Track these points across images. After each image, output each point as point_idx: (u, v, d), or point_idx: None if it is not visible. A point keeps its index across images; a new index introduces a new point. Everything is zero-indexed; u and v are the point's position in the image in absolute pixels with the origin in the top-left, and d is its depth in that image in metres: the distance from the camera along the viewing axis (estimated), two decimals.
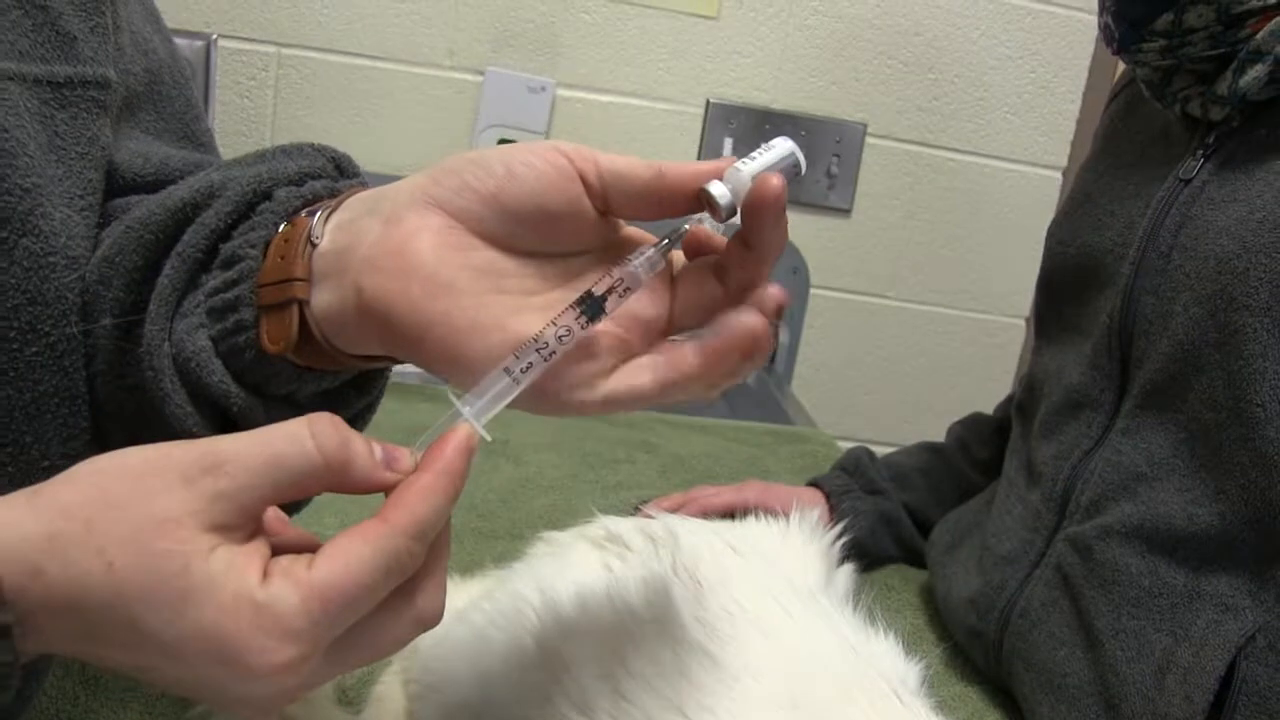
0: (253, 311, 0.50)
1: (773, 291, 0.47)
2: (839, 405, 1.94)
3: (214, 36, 1.65)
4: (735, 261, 0.47)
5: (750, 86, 1.79)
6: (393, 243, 0.46)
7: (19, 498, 0.38)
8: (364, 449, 0.42)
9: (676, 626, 0.60)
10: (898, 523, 1.08)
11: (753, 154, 0.47)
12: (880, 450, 1.21)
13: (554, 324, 0.45)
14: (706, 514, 1.05)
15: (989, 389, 1.91)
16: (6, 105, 0.50)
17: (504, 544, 0.98)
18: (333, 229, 0.49)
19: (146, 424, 0.53)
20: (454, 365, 0.46)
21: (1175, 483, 0.78)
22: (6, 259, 0.50)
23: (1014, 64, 1.83)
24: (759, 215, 0.45)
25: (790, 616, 0.62)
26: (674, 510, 1.06)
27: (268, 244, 0.51)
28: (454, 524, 1.03)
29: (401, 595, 0.42)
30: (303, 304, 0.49)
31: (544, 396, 0.47)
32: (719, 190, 0.46)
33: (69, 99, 0.54)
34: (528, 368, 0.44)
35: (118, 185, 0.59)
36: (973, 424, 1.17)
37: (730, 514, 1.04)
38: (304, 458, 0.40)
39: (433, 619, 0.43)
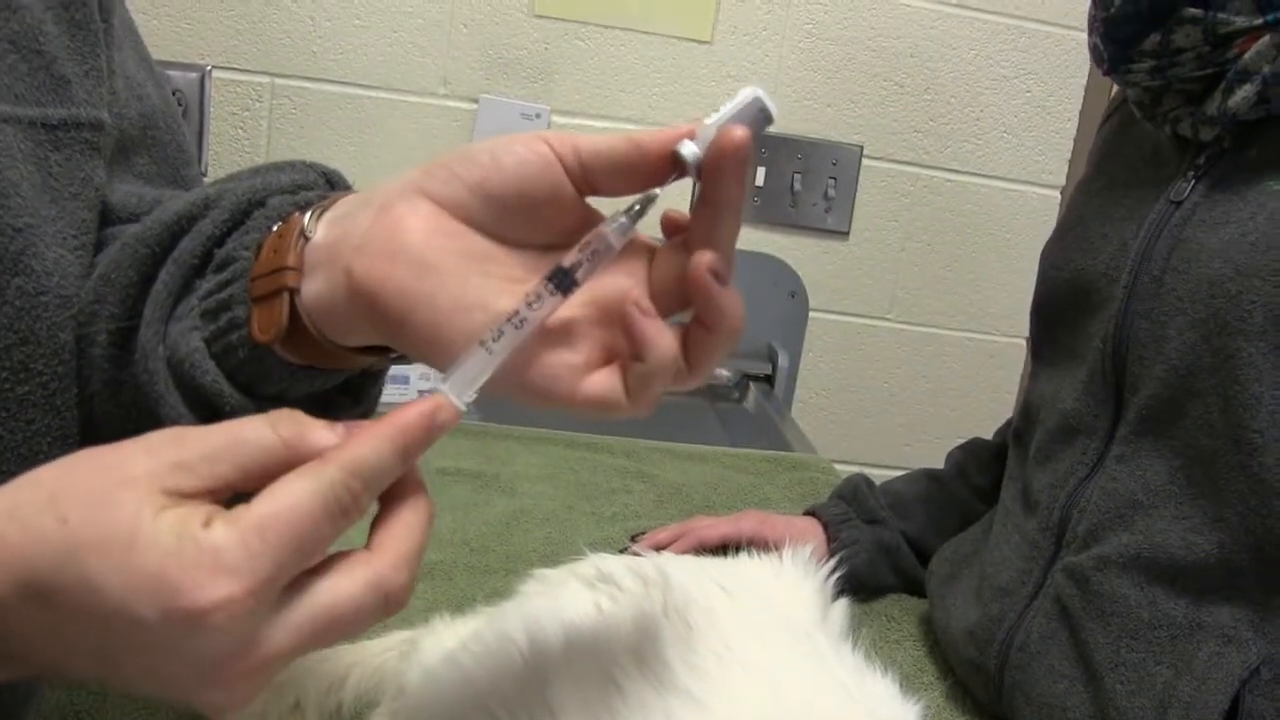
0: (245, 309, 0.50)
1: (706, 258, 0.45)
2: (839, 429, 1.93)
3: (208, 68, 1.65)
4: (696, 224, 0.47)
5: None
6: (383, 228, 0.47)
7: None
8: (321, 424, 0.42)
9: (665, 670, 0.58)
10: (896, 552, 1.07)
11: (722, 107, 0.46)
12: (882, 473, 1.19)
13: (525, 295, 0.45)
14: (703, 545, 1.04)
15: (990, 410, 1.90)
16: (0, 147, 0.51)
17: (497, 579, 0.97)
18: (326, 223, 0.50)
19: None
20: (436, 346, 0.46)
21: (1173, 510, 0.77)
22: None
23: (1010, 84, 1.83)
24: (717, 166, 0.45)
25: (781, 659, 0.60)
26: (670, 542, 1.05)
27: (261, 246, 0.51)
28: (446, 560, 1.03)
29: (357, 554, 0.41)
30: (293, 293, 0.49)
31: (525, 386, 0.47)
32: (688, 150, 0.45)
33: (63, 140, 0.55)
34: (499, 336, 0.44)
35: (113, 223, 0.59)
36: (972, 450, 1.15)
37: (727, 545, 1.03)
38: (261, 434, 0.41)
39: (393, 590, 0.41)
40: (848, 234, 1.85)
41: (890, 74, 1.80)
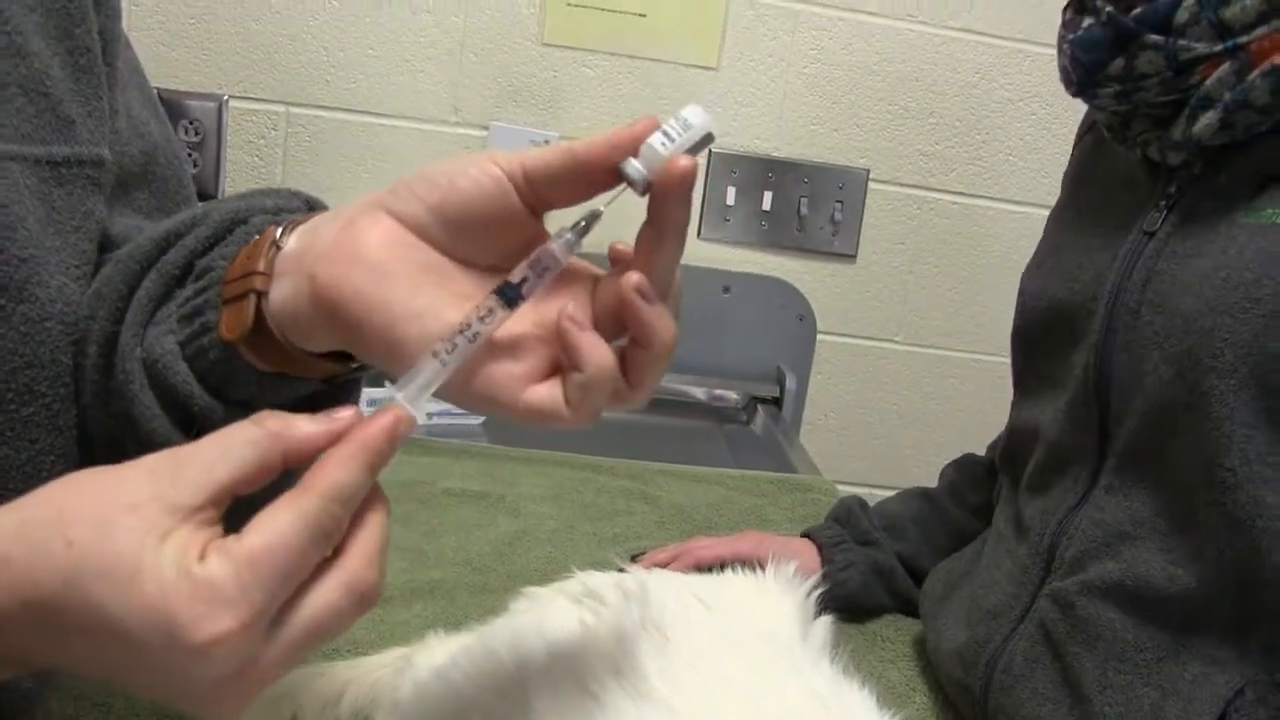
0: (217, 313, 0.53)
1: (633, 278, 0.47)
2: (848, 451, 1.94)
3: (225, 97, 1.69)
4: (640, 246, 0.49)
5: (752, 136, 1.80)
6: (346, 238, 0.50)
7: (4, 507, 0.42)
8: (303, 416, 0.45)
9: (640, 680, 0.59)
10: (891, 573, 1.07)
11: (670, 125, 0.47)
12: (891, 495, 1.20)
13: (476, 308, 0.48)
14: (700, 566, 1.05)
15: (998, 431, 1.89)
16: (7, 183, 0.54)
17: (496, 598, 0.98)
18: (296, 235, 0.53)
19: (131, 448, 0.55)
20: (390, 350, 0.48)
21: (1157, 542, 0.77)
22: (4, 324, 0.53)
23: (1015, 106, 1.84)
24: (664, 194, 0.47)
25: (757, 670, 0.61)
26: (668, 562, 1.06)
27: (237, 257, 0.54)
28: (448, 579, 1.04)
29: (330, 564, 0.44)
30: (260, 295, 0.52)
31: (470, 394, 0.49)
32: (632, 169, 0.47)
33: (66, 177, 0.58)
34: (452, 349, 0.47)
35: (111, 251, 0.62)
36: (965, 466, 1.16)
37: (724, 566, 1.04)
38: (248, 432, 0.44)
39: (366, 589, 0.44)
40: (855, 257, 1.86)
41: (895, 98, 1.82)
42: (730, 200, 1.80)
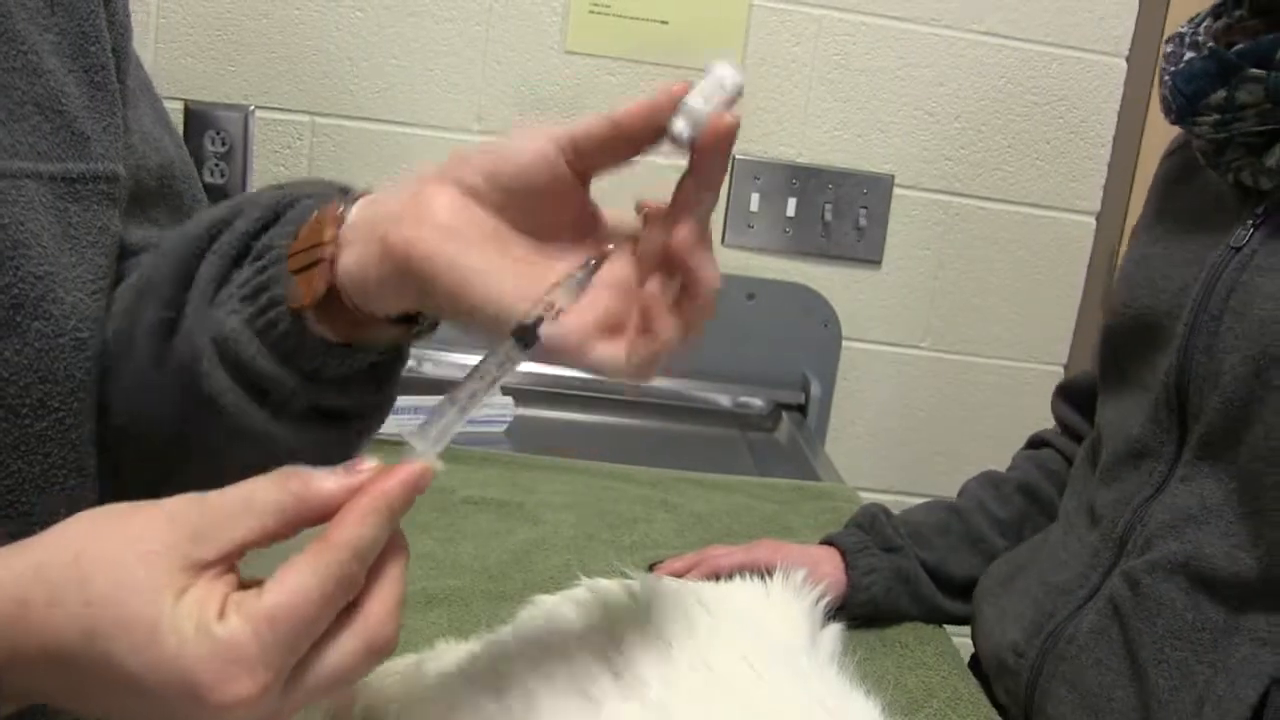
0: (282, 288, 0.54)
1: (684, 230, 0.50)
2: (874, 458, 1.92)
3: (251, 108, 1.70)
4: (680, 194, 0.51)
5: (775, 142, 1.80)
6: (414, 202, 0.51)
7: (20, 543, 0.43)
8: (323, 472, 0.45)
9: (641, 687, 0.59)
10: (915, 580, 1.07)
11: (702, 83, 0.50)
12: (918, 501, 1.20)
13: (493, 354, 0.49)
14: (716, 574, 1.04)
15: (1024, 437, 1.87)
16: (23, 200, 0.54)
17: (511, 606, 0.97)
18: (360, 206, 0.54)
19: (200, 438, 0.57)
20: (461, 302, 0.50)
21: (1222, 527, 0.83)
22: (20, 340, 0.54)
23: (1041, 110, 1.82)
24: (710, 148, 0.50)
25: (759, 676, 0.61)
26: (685, 571, 1.06)
27: (297, 236, 0.55)
28: (465, 587, 1.04)
29: (349, 616, 0.44)
30: (332, 262, 0.53)
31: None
32: (679, 127, 0.49)
33: (81, 193, 0.59)
34: (471, 395, 0.49)
35: (131, 259, 0.63)
36: (991, 482, 1.17)
37: (736, 574, 1.03)
38: (270, 494, 0.44)
39: (384, 643, 0.45)
40: (880, 263, 1.85)
41: (920, 103, 1.80)
42: (754, 207, 1.80)
